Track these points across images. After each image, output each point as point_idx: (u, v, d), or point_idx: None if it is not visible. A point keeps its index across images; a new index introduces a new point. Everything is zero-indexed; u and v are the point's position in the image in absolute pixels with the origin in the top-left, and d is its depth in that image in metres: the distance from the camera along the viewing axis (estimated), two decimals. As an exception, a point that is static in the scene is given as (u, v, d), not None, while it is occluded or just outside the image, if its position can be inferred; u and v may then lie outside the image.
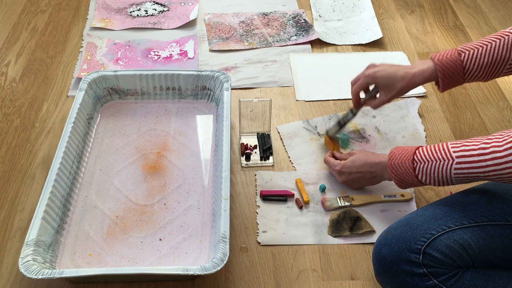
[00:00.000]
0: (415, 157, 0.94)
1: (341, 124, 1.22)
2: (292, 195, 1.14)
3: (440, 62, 1.05)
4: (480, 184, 1.00)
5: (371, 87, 1.16)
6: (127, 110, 1.33)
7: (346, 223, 1.09)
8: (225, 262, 0.90)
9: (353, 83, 1.18)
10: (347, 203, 1.12)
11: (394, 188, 1.15)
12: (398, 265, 0.87)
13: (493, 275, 0.87)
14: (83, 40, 1.60)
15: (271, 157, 1.23)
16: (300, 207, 1.12)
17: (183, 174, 1.17)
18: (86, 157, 1.20)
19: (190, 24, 1.68)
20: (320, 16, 1.72)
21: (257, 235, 1.07)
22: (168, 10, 1.74)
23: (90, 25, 1.65)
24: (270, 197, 1.14)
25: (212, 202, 1.11)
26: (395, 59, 1.54)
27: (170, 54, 1.55)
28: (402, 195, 1.14)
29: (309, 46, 1.59)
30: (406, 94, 1.39)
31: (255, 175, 1.20)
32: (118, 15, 1.71)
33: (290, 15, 1.72)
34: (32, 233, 0.95)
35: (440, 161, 0.90)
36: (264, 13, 1.73)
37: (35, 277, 0.88)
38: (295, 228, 1.09)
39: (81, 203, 1.11)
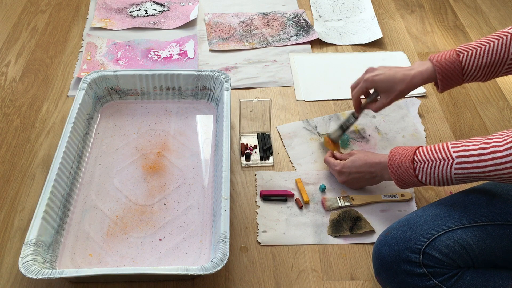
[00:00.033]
0: (415, 157, 0.94)
1: (344, 128, 1.22)
2: (292, 195, 1.14)
3: (438, 63, 1.05)
4: (480, 184, 1.00)
5: (371, 90, 1.16)
6: (127, 110, 1.33)
7: (346, 223, 1.09)
8: (225, 262, 0.90)
9: (353, 88, 1.18)
10: (347, 203, 1.12)
11: (394, 188, 1.15)
12: (398, 265, 0.87)
13: (493, 275, 0.87)
14: (83, 40, 1.60)
15: (271, 157, 1.24)
16: (300, 207, 1.12)
17: (183, 174, 1.17)
18: (86, 157, 1.20)
19: (190, 24, 1.68)
20: (320, 16, 1.72)
21: (257, 235, 1.08)
22: (168, 10, 1.74)
23: (90, 25, 1.65)
24: (270, 197, 1.14)
25: (212, 202, 1.11)
26: (395, 59, 1.54)
27: (170, 54, 1.55)
28: (402, 195, 1.14)
29: (309, 46, 1.59)
30: (406, 94, 1.40)
31: (255, 175, 1.20)
32: (118, 15, 1.71)
33: (290, 15, 1.72)
34: (32, 233, 0.95)
35: (440, 161, 0.90)
36: (264, 13, 1.73)
37: (35, 277, 0.88)
38: (295, 228, 1.09)
39: (81, 203, 1.11)
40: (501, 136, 0.84)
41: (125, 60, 1.52)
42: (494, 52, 1.01)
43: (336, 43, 1.61)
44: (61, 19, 1.70)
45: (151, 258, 1.01)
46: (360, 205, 1.13)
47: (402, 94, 1.11)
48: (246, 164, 1.22)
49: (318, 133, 1.30)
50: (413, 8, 1.79)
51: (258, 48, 1.58)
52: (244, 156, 1.23)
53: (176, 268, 0.91)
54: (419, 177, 0.94)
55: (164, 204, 1.11)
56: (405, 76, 1.08)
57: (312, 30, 1.64)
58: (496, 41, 1.01)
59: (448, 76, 1.05)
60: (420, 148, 0.94)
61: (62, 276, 0.89)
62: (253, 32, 1.64)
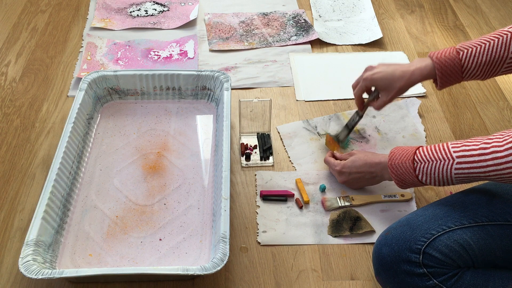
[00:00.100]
0: (415, 157, 0.94)
1: (349, 127, 1.23)
2: (292, 195, 1.14)
3: (438, 60, 1.05)
4: (480, 184, 1.00)
5: (373, 88, 1.17)
6: (127, 110, 1.33)
7: (346, 223, 1.09)
8: (225, 262, 0.90)
9: (354, 87, 1.18)
10: (347, 203, 1.12)
11: (394, 188, 1.15)
12: (398, 265, 0.87)
13: (493, 275, 0.87)
14: (83, 40, 1.60)
15: (271, 157, 1.23)
16: (300, 207, 1.12)
17: (183, 174, 1.17)
18: (86, 157, 1.20)
19: (190, 24, 1.68)
20: (320, 16, 1.72)
21: (257, 235, 1.07)
22: (168, 10, 1.74)
23: (90, 25, 1.65)
24: (270, 197, 1.14)
25: (212, 202, 1.11)
26: (395, 59, 1.54)
27: (170, 54, 1.55)
28: (402, 195, 1.14)
29: (309, 46, 1.59)
30: (406, 94, 1.40)
31: (255, 175, 1.20)
32: (118, 15, 1.71)
33: (290, 15, 1.72)
34: (32, 233, 0.95)
35: (441, 161, 0.90)
36: (264, 13, 1.73)
37: (35, 277, 0.88)
38: (295, 228, 1.09)
39: (81, 203, 1.11)
40: (501, 136, 0.84)
41: (125, 60, 1.52)
42: (494, 50, 1.01)
43: (336, 43, 1.61)
44: (61, 19, 1.70)
45: (151, 258, 1.01)
46: (360, 205, 1.13)
47: (402, 91, 1.11)
48: (246, 164, 1.22)
49: (318, 133, 1.30)
50: (413, 8, 1.79)
51: (258, 48, 1.58)
52: (244, 156, 1.23)
53: (176, 268, 0.91)
54: (419, 177, 0.94)
55: (164, 204, 1.11)
56: (404, 73, 1.08)
57: (312, 30, 1.64)
58: (496, 39, 1.01)
59: (447, 73, 1.05)
60: (420, 148, 0.94)
61: (62, 276, 0.89)
62: (253, 32, 1.64)
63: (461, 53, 1.04)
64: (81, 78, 1.31)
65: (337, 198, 1.13)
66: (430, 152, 0.92)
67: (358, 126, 1.31)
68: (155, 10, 1.73)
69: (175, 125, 1.29)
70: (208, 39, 1.61)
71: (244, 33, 1.63)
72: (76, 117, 1.18)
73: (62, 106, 1.37)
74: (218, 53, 1.56)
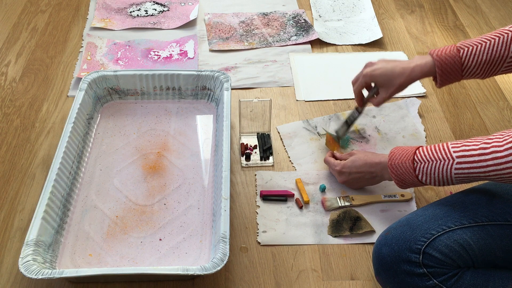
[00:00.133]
0: (415, 157, 0.94)
1: (349, 123, 1.23)
2: (292, 195, 1.14)
3: (438, 58, 1.05)
4: (480, 184, 1.00)
5: (372, 84, 1.17)
6: (127, 110, 1.33)
7: (346, 223, 1.09)
8: (225, 262, 0.90)
9: (354, 83, 1.18)
10: (347, 203, 1.12)
11: (394, 188, 1.15)
12: (398, 265, 0.87)
13: (493, 275, 0.87)
14: (83, 40, 1.60)
15: (271, 157, 1.23)
16: (300, 207, 1.12)
17: (183, 174, 1.17)
18: (86, 157, 1.20)
19: (190, 24, 1.68)
20: (320, 16, 1.72)
21: (257, 235, 1.07)
22: (168, 10, 1.74)
23: (90, 25, 1.65)
24: (270, 197, 1.14)
25: (212, 202, 1.11)
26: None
27: (170, 54, 1.55)
28: (402, 195, 1.14)
29: (309, 46, 1.59)
30: (406, 94, 1.40)
31: (255, 175, 1.20)
32: (118, 15, 1.71)
33: (290, 15, 1.72)
34: (32, 233, 0.95)
35: (441, 161, 0.90)
36: (264, 13, 1.73)
37: (35, 277, 0.88)
38: (295, 228, 1.09)
39: (81, 203, 1.11)
40: (501, 136, 0.84)
41: (125, 60, 1.52)
42: (495, 49, 1.01)
43: (336, 43, 1.61)
44: (61, 19, 1.70)
45: (151, 258, 1.01)
46: (360, 205, 1.13)
47: (401, 87, 1.11)
48: (246, 164, 1.22)
49: (318, 133, 1.30)
50: (413, 8, 1.79)
51: (258, 48, 1.58)
52: (244, 156, 1.23)
53: (176, 268, 0.91)
54: (419, 177, 0.93)
55: (164, 204, 1.11)
56: (404, 69, 1.08)
57: (312, 30, 1.64)
58: (497, 38, 1.02)
59: (447, 71, 1.05)
60: (420, 148, 0.94)
61: (62, 276, 0.89)
62: (253, 32, 1.64)
63: (462, 51, 1.04)
64: (81, 78, 1.31)
65: (337, 198, 1.13)
66: (430, 152, 0.92)
67: (358, 126, 1.31)
68: (155, 10, 1.73)
69: (175, 125, 1.29)
70: (208, 39, 1.61)
71: (244, 33, 1.63)
72: (76, 117, 1.18)
73: (62, 106, 1.37)
74: (218, 53, 1.56)
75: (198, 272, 0.89)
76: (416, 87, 1.43)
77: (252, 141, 1.27)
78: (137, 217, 1.09)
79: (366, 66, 1.15)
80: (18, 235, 1.07)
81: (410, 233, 0.88)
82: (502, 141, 0.83)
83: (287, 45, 1.59)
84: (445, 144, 0.90)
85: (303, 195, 1.14)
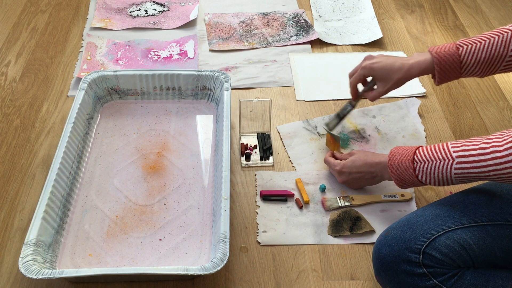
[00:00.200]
0: (415, 157, 0.94)
1: (340, 116, 1.23)
2: (292, 195, 1.14)
3: (437, 55, 1.05)
4: (480, 184, 1.00)
5: (369, 79, 1.17)
6: (127, 110, 1.33)
7: (346, 223, 1.09)
8: (225, 262, 0.90)
9: (351, 75, 1.18)
10: (347, 203, 1.12)
11: (394, 188, 1.15)
12: (398, 265, 0.87)
13: (493, 275, 0.87)
14: (83, 40, 1.60)
15: (271, 157, 1.23)
16: (300, 207, 1.12)
17: (183, 174, 1.17)
18: (86, 157, 1.20)
19: (190, 24, 1.68)
20: (320, 16, 1.72)
21: (257, 235, 1.07)
22: (168, 10, 1.74)
23: (90, 25, 1.65)
24: (270, 197, 1.14)
25: (212, 202, 1.11)
26: (395, 59, 1.54)
27: (170, 54, 1.55)
28: (402, 195, 1.14)
29: (309, 46, 1.59)
30: (406, 94, 1.40)
31: (255, 175, 1.20)
32: (118, 15, 1.71)
33: (290, 15, 1.72)
34: (32, 233, 0.95)
35: (440, 161, 0.90)
36: (264, 13, 1.73)
37: (35, 277, 0.88)
38: (295, 228, 1.09)
39: (81, 203, 1.11)
40: (501, 136, 0.84)
41: (125, 60, 1.52)
42: (494, 48, 1.01)
43: (336, 43, 1.61)
44: (61, 19, 1.70)
45: (151, 258, 1.01)
46: (360, 205, 1.13)
47: (399, 83, 1.11)
48: (246, 164, 1.22)
49: (318, 133, 1.30)
50: (413, 8, 1.79)
51: (258, 48, 1.58)
52: (244, 156, 1.23)
53: (176, 268, 0.91)
54: (419, 177, 0.93)
55: (164, 204, 1.11)
56: (403, 65, 1.09)
57: (312, 30, 1.64)
58: (497, 37, 1.02)
59: (446, 68, 1.05)
60: (420, 148, 0.94)
61: (62, 276, 0.89)
62: (253, 32, 1.64)
63: (461, 49, 1.04)
64: (81, 78, 1.31)
65: (337, 198, 1.13)
66: (430, 152, 0.92)
67: (358, 126, 1.31)
68: (155, 10, 1.73)
69: (175, 125, 1.29)
70: (208, 39, 1.61)
71: (244, 33, 1.63)
72: (76, 117, 1.18)
73: (62, 106, 1.37)
74: (218, 53, 1.56)
75: (198, 272, 0.89)
76: (416, 87, 1.43)
77: (252, 141, 1.27)
78: (137, 217, 1.09)
79: (366, 59, 1.15)
80: (18, 235, 1.07)
81: (410, 233, 0.88)
82: (501, 141, 0.83)
83: (287, 45, 1.59)
84: (445, 144, 0.90)
85: (303, 195, 1.14)
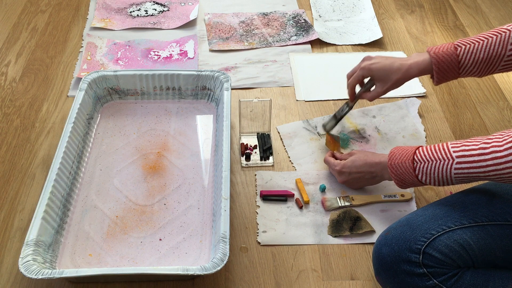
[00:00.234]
0: (415, 157, 0.94)
1: (338, 118, 1.23)
2: (292, 195, 1.14)
3: (435, 55, 1.05)
4: (480, 184, 1.00)
5: (365, 80, 1.17)
6: (127, 110, 1.33)
7: (346, 223, 1.09)
8: (225, 262, 0.90)
9: (349, 76, 1.18)
10: (347, 203, 1.12)
11: (394, 188, 1.15)
12: (398, 265, 0.87)
13: (493, 275, 0.87)
14: (83, 40, 1.60)
15: (271, 157, 1.23)
16: (300, 207, 1.12)
17: (183, 174, 1.17)
18: (86, 157, 1.20)
19: (190, 24, 1.68)
20: (320, 16, 1.72)
21: (257, 235, 1.07)
22: (168, 10, 1.74)
23: (90, 25, 1.65)
24: (270, 197, 1.14)
25: (212, 202, 1.11)
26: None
27: (170, 54, 1.55)
28: (402, 195, 1.14)
29: (309, 46, 1.59)
30: (406, 94, 1.40)
31: (255, 175, 1.20)
32: (118, 15, 1.71)
33: (290, 15, 1.72)
34: (32, 233, 0.95)
35: (440, 161, 0.90)
36: (264, 13, 1.73)
37: (35, 277, 0.88)
38: (295, 228, 1.09)
39: (81, 203, 1.11)
40: (501, 136, 0.84)
41: (125, 60, 1.52)
42: (492, 47, 1.01)
43: (336, 43, 1.61)
44: (61, 19, 1.70)
45: (151, 258, 1.01)
46: (360, 205, 1.13)
47: (398, 83, 1.11)
48: (246, 164, 1.22)
49: (318, 133, 1.30)
50: (413, 8, 1.79)
51: (258, 48, 1.58)
52: (244, 156, 1.23)
53: (176, 268, 0.91)
54: (419, 177, 0.93)
55: (164, 204, 1.11)
56: (402, 65, 1.09)
57: (312, 30, 1.64)
58: (495, 37, 1.02)
59: (444, 68, 1.06)
60: (420, 148, 0.94)
61: (62, 276, 0.89)
62: (253, 32, 1.64)
63: (459, 49, 1.04)
64: (81, 78, 1.31)
65: (337, 198, 1.13)
66: (429, 152, 0.92)
67: (358, 126, 1.31)
68: (155, 10, 1.73)
69: (175, 125, 1.29)
70: (208, 39, 1.61)
71: (244, 33, 1.64)
72: (76, 117, 1.18)
73: (62, 106, 1.37)
74: (218, 53, 1.56)
75: (198, 272, 0.89)
76: (416, 87, 1.43)
77: (252, 141, 1.27)
78: (137, 217, 1.09)
79: (364, 59, 1.15)
80: (18, 235, 1.07)
81: (410, 233, 0.88)
82: (501, 141, 0.83)
83: (287, 45, 1.59)
84: (445, 144, 0.90)
85: (303, 195, 1.14)
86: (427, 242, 0.86)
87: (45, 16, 1.71)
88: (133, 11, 1.72)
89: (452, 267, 0.86)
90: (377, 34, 1.62)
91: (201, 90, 1.34)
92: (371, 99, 1.16)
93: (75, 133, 1.16)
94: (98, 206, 1.10)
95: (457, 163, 0.87)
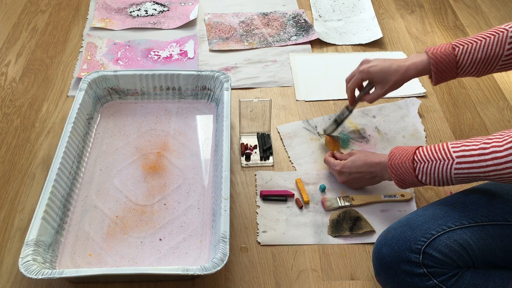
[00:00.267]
0: (415, 157, 0.94)
1: (338, 122, 1.23)
2: (292, 195, 1.14)
3: (433, 56, 1.06)
4: (480, 184, 1.00)
5: (365, 83, 1.17)
6: (127, 110, 1.33)
7: (346, 223, 1.09)
8: (225, 262, 0.90)
9: (348, 80, 1.19)
10: (347, 203, 1.12)
11: (394, 188, 1.15)
12: (398, 265, 0.87)
13: (493, 275, 0.87)
14: (83, 40, 1.60)
15: (271, 157, 1.23)
16: (300, 207, 1.12)
17: (183, 174, 1.17)
18: (86, 157, 1.20)
19: (190, 24, 1.68)
20: (320, 16, 1.72)
21: (257, 235, 1.07)
22: (168, 10, 1.74)
23: (90, 25, 1.65)
24: (270, 197, 1.14)
25: (212, 202, 1.11)
26: (395, 59, 1.54)
27: (170, 54, 1.55)
28: (402, 195, 1.14)
29: (309, 46, 1.59)
30: (406, 94, 1.40)
31: (255, 175, 1.20)
32: (118, 15, 1.71)
33: (290, 15, 1.72)
34: (32, 233, 0.95)
35: (440, 161, 0.90)
36: (264, 13, 1.73)
37: (35, 277, 0.88)
38: (295, 228, 1.09)
39: (81, 203, 1.11)
40: (501, 136, 0.84)
41: (125, 60, 1.52)
42: (490, 47, 1.02)
43: (336, 43, 1.61)
44: (61, 19, 1.70)
45: (151, 258, 1.01)
46: (360, 205, 1.13)
47: (397, 85, 1.11)
48: (246, 164, 1.22)
49: (318, 133, 1.30)
50: (413, 8, 1.79)
51: (258, 48, 1.58)
52: (244, 156, 1.23)
53: (176, 268, 0.91)
54: (419, 177, 0.93)
55: (164, 204, 1.11)
56: (400, 67, 1.09)
57: (312, 30, 1.64)
58: (493, 36, 1.02)
59: (442, 69, 1.06)
60: (420, 148, 0.94)
61: (62, 276, 0.89)
62: (253, 32, 1.64)
63: (457, 49, 1.04)
64: (81, 78, 1.31)
65: (337, 198, 1.13)
66: (429, 152, 0.92)
67: (358, 126, 1.31)
68: (155, 10, 1.73)
69: (175, 125, 1.29)
70: (208, 39, 1.61)
71: (244, 33, 1.64)
72: (76, 117, 1.18)
73: (62, 106, 1.37)
74: (218, 53, 1.57)
75: (198, 272, 0.89)
76: (416, 87, 1.44)
77: (252, 141, 1.27)
78: (137, 217, 1.09)
79: (362, 63, 1.15)
80: (18, 235, 1.07)
81: (410, 233, 0.88)
82: (502, 141, 0.83)
83: (287, 45, 1.59)
84: (445, 144, 0.90)
85: (303, 195, 1.14)
86: (427, 242, 0.86)
87: (45, 16, 1.71)
88: (133, 11, 1.72)
89: (452, 267, 0.86)
90: (377, 34, 1.62)
91: (201, 90, 1.34)
92: (371, 101, 1.16)
93: (75, 133, 1.16)
94: (98, 206, 1.11)
95: (457, 163, 0.87)
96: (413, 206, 1.13)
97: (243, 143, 1.25)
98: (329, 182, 1.17)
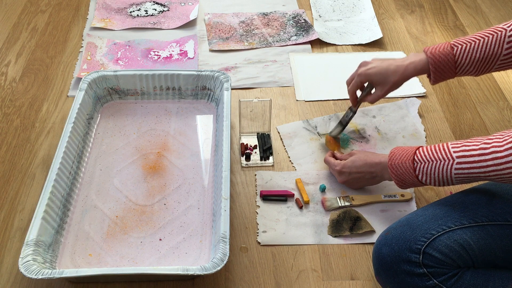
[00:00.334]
0: (415, 157, 0.94)
1: (343, 124, 1.23)
2: (292, 195, 1.14)
3: (432, 55, 1.06)
4: (480, 184, 1.00)
5: (365, 84, 1.17)
6: (127, 110, 1.33)
7: (346, 223, 1.09)
8: (225, 262, 0.90)
9: (348, 83, 1.19)
10: (347, 203, 1.12)
11: (394, 188, 1.15)
12: (398, 265, 0.87)
13: (493, 275, 0.87)
14: (83, 40, 1.60)
15: (271, 157, 1.23)
16: (300, 207, 1.12)
17: (183, 174, 1.17)
18: (86, 157, 1.20)
19: (190, 24, 1.68)
20: (320, 16, 1.72)
21: (257, 235, 1.07)
22: (168, 10, 1.74)
23: (90, 25, 1.65)
24: (270, 197, 1.14)
25: (212, 202, 1.11)
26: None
27: (170, 54, 1.55)
28: (402, 195, 1.14)
29: (309, 46, 1.59)
30: (406, 94, 1.40)
31: (255, 175, 1.20)
32: (118, 15, 1.71)
33: (290, 15, 1.72)
34: (32, 233, 0.95)
35: (441, 161, 0.90)
36: (264, 13, 1.73)
37: (35, 277, 0.88)
38: (295, 228, 1.09)
39: (81, 203, 1.11)
40: (501, 136, 0.84)
41: (125, 60, 1.52)
42: (488, 47, 1.02)
43: (336, 43, 1.61)
44: (61, 19, 1.70)
45: (151, 258, 1.01)
46: (360, 205, 1.13)
47: (396, 85, 1.12)
48: (246, 164, 1.22)
49: (318, 133, 1.30)
50: (413, 8, 1.79)
51: (258, 48, 1.58)
52: (244, 156, 1.23)
53: (176, 268, 0.91)
54: (419, 177, 0.93)
55: (164, 204, 1.11)
56: (398, 67, 1.09)
57: (312, 30, 1.64)
58: (491, 36, 1.02)
59: (440, 68, 1.06)
60: (420, 148, 0.94)
61: (62, 276, 0.89)
62: (253, 32, 1.64)
63: (455, 48, 1.04)
64: (81, 78, 1.31)
65: (337, 198, 1.13)
66: (430, 152, 0.92)
67: (358, 126, 1.31)
68: (155, 10, 1.73)
69: (175, 125, 1.29)
70: (208, 39, 1.61)
71: (244, 33, 1.63)
72: (76, 117, 1.18)
73: (62, 106, 1.37)
74: (218, 53, 1.56)
75: (198, 272, 0.89)
76: (416, 87, 1.44)
77: (252, 141, 1.27)
78: (137, 217, 1.09)
79: (361, 65, 1.16)
80: (18, 235, 1.07)
81: (410, 233, 0.88)
82: (502, 141, 0.83)
83: (287, 45, 1.59)
84: (445, 144, 0.90)
85: (303, 195, 1.14)
86: (427, 242, 0.86)
87: (45, 16, 1.71)
88: (133, 11, 1.72)
89: (452, 267, 0.86)
90: (377, 34, 1.62)
91: (201, 90, 1.34)
92: (372, 102, 1.17)
93: (75, 133, 1.16)
94: (98, 206, 1.10)
95: (458, 163, 0.87)
96: (413, 206, 1.13)
97: (243, 143, 1.25)
98: (329, 182, 1.17)
